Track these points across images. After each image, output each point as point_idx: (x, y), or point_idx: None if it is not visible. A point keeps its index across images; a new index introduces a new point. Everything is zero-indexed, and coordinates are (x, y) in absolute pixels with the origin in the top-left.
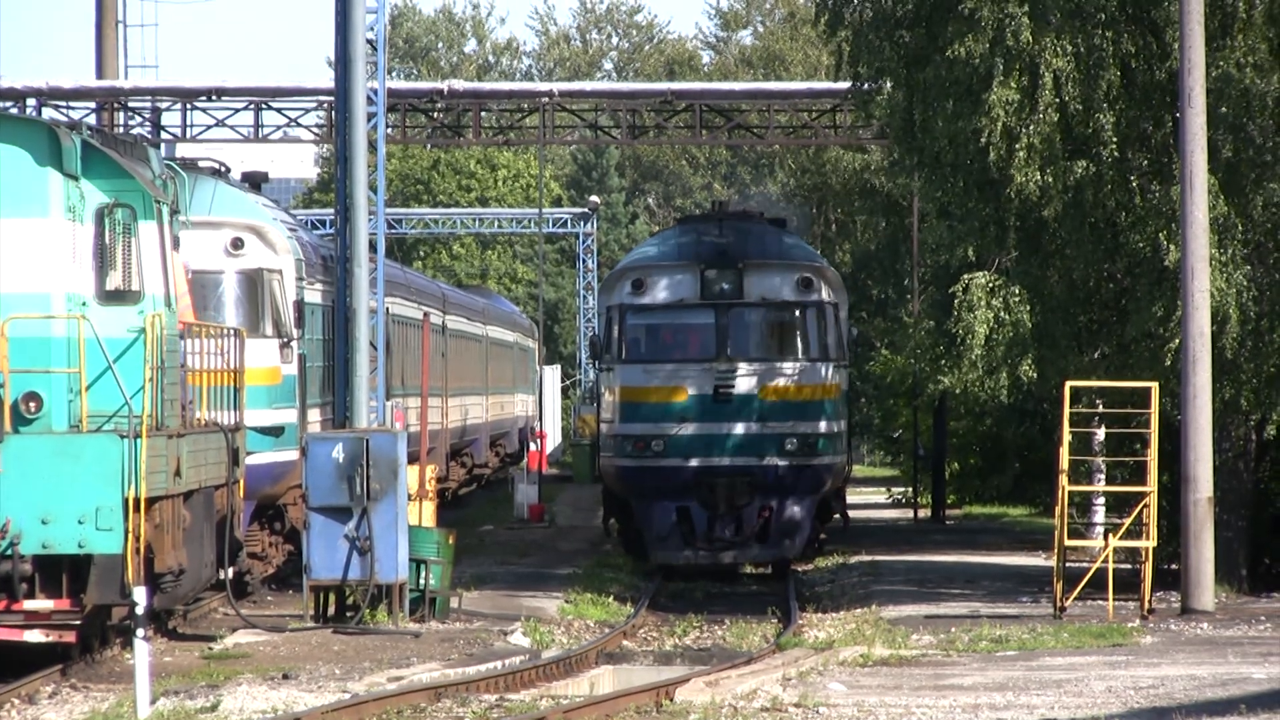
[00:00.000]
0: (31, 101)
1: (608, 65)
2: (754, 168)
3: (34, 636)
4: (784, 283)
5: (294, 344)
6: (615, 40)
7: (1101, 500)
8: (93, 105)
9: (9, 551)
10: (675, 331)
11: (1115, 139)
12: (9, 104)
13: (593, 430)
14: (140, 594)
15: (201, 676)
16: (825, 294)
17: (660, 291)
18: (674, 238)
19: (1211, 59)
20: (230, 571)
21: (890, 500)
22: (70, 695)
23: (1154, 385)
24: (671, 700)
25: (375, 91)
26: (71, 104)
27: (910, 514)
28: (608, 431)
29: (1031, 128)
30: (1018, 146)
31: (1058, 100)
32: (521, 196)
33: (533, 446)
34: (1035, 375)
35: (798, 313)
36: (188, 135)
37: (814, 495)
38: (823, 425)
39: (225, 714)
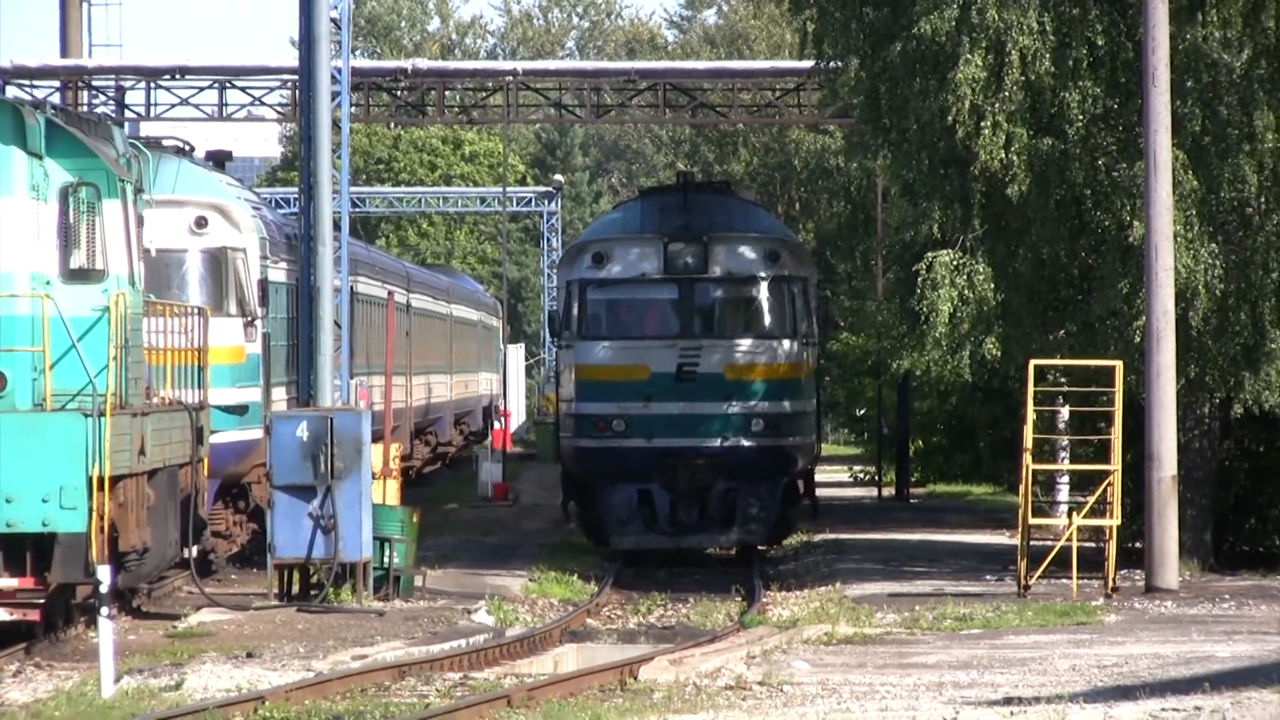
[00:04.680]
0: None
1: (570, 44)
2: (717, 146)
3: None
4: (750, 256)
5: (258, 323)
6: (576, 20)
7: (1065, 479)
8: (57, 84)
9: None
10: (637, 307)
11: (1082, 116)
12: None
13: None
14: (104, 573)
15: (166, 655)
16: (793, 268)
17: (622, 265)
18: (637, 210)
19: (1180, 33)
20: (194, 550)
21: (854, 479)
22: (34, 674)
23: (1118, 363)
24: (635, 679)
25: (339, 70)
26: (36, 83)
27: (874, 492)
28: (566, 411)
29: (998, 105)
30: (984, 124)
31: (1024, 78)
32: (487, 175)
33: (497, 425)
34: (999, 353)
35: (764, 287)
36: (152, 114)
37: (781, 478)
38: (790, 405)
39: (189, 692)
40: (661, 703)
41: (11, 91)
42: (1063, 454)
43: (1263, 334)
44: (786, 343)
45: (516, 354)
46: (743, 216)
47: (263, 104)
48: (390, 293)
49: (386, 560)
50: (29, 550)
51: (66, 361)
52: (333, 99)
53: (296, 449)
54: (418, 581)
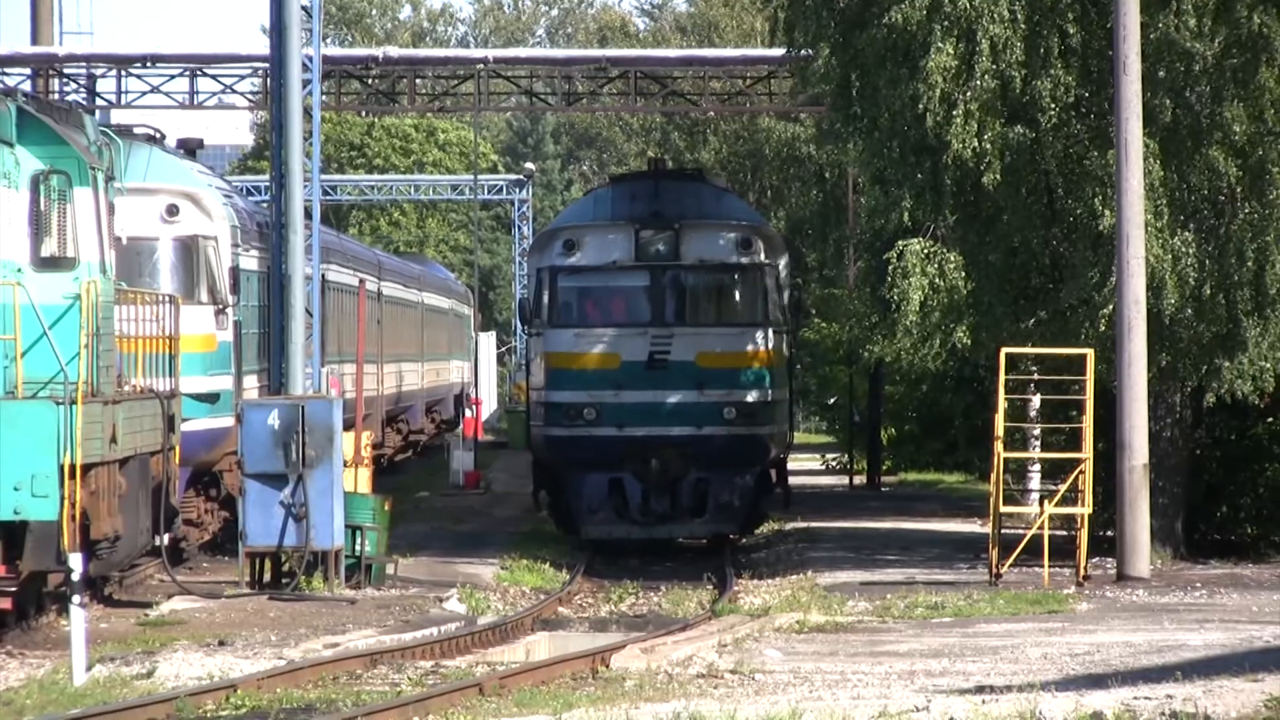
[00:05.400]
0: None
1: (541, 32)
2: (688, 135)
3: None
4: (722, 243)
5: (229, 311)
6: (546, 8)
7: (1037, 467)
8: (28, 72)
9: None
10: (608, 294)
11: (1054, 105)
12: None
13: None
14: (76, 561)
15: (137, 643)
16: (766, 255)
17: (593, 252)
18: (608, 197)
19: (1152, 22)
20: (166, 538)
21: (826, 467)
22: (6, 662)
23: (1089, 352)
24: (607, 667)
25: (310, 58)
26: (6, 70)
27: (846, 480)
28: (537, 399)
29: (969, 94)
30: (955, 112)
31: (995, 66)
32: (459, 163)
33: (468, 413)
34: (970, 342)
35: (736, 275)
36: (123, 102)
37: (754, 467)
38: (763, 393)
39: (161, 680)
40: (633, 691)
41: None
42: (1034, 442)
43: (1237, 322)
44: (759, 330)
45: (488, 342)
46: (715, 203)
47: (234, 92)
48: (362, 280)
49: (358, 548)
50: (1, 538)
51: (38, 349)
52: (304, 87)
53: (268, 437)
54: (389, 570)
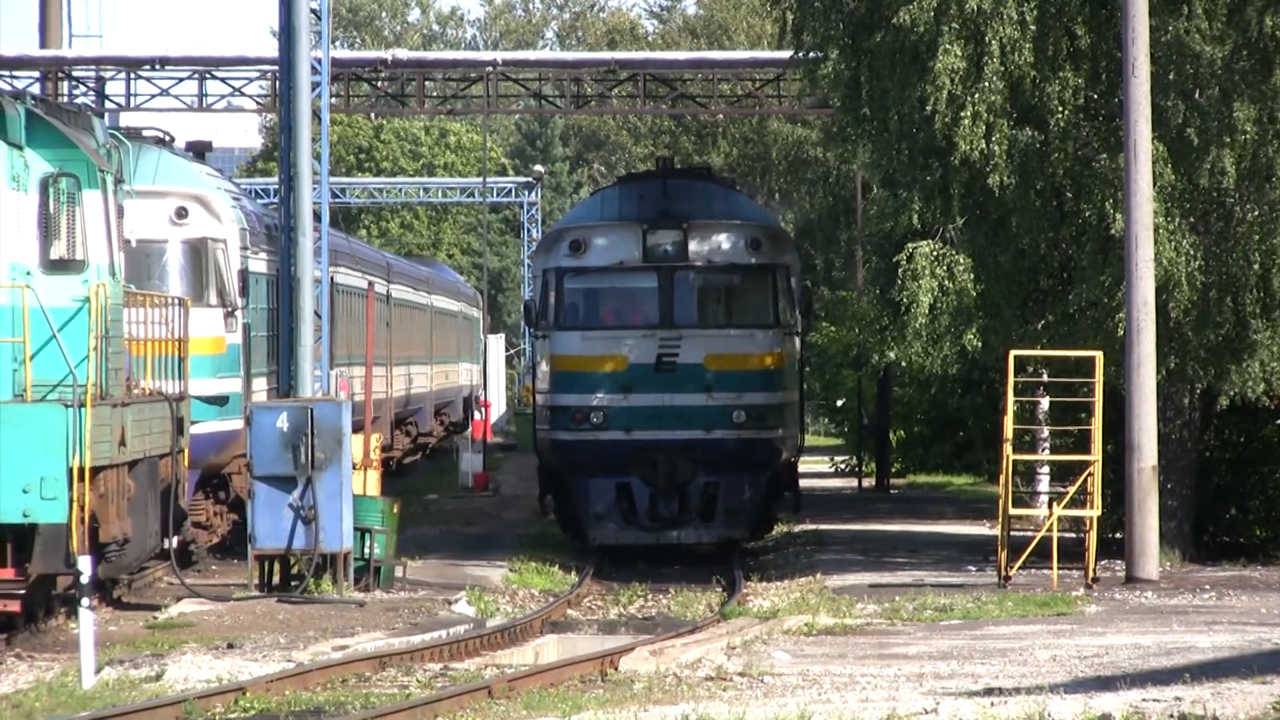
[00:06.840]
0: None
1: (550, 34)
2: (697, 137)
3: None
4: (731, 244)
5: (238, 313)
6: (556, 11)
7: (1046, 469)
8: (37, 74)
9: None
10: (616, 296)
11: (1063, 107)
12: None
13: None
14: (85, 563)
15: (146, 646)
16: (775, 256)
17: (600, 253)
18: (615, 196)
19: (1162, 25)
20: (175, 541)
21: (835, 469)
22: (15, 665)
23: (1098, 354)
24: (616, 669)
25: (319, 61)
26: (15, 73)
27: (855, 483)
28: (544, 403)
29: (977, 95)
30: (963, 114)
31: (1004, 68)
32: (469, 167)
33: (477, 415)
34: (979, 345)
35: (746, 275)
36: (132, 104)
37: (763, 471)
38: (772, 396)
39: (170, 683)
40: (642, 693)
41: None
42: (1043, 444)
43: (1245, 325)
44: (769, 332)
45: (497, 344)
46: (723, 203)
47: (242, 94)
48: (370, 283)
49: (367, 551)
50: (9, 541)
51: (47, 352)
52: (313, 89)
53: (277, 439)
54: (398, 572)
